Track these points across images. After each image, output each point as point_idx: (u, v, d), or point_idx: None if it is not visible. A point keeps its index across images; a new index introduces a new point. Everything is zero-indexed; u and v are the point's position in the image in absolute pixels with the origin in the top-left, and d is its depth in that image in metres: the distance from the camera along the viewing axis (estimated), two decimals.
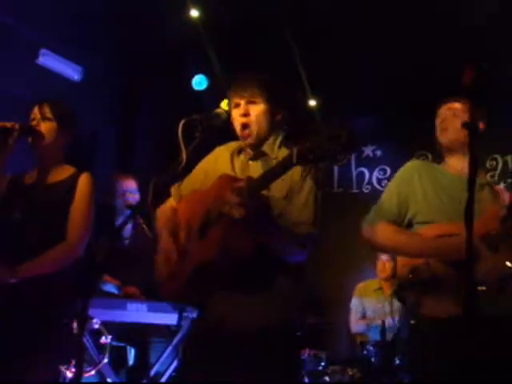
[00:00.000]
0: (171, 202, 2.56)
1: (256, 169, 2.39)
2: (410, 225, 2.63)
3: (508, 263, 2.31)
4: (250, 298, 2.23)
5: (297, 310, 2.36)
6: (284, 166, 2.08)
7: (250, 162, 2.45)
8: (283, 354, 2.23)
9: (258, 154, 2.44)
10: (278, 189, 2.30)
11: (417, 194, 2.61)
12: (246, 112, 2.40)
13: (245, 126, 2.40)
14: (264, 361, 2.18)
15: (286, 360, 2.25)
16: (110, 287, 3.84)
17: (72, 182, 2.79)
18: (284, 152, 2.39)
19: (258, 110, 2.41)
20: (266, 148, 2.45)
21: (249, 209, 2.07)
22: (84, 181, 2.79)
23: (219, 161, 2.52)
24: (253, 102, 2.41)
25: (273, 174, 2.13)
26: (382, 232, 2.56)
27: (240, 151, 2.50)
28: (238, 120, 2.42)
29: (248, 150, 2.47)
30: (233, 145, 2.55)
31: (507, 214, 2.40)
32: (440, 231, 2.47)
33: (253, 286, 2.23)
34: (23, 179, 2.89)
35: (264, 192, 2.22)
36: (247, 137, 2.41)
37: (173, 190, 2.57)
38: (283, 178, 2.21)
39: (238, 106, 2.43)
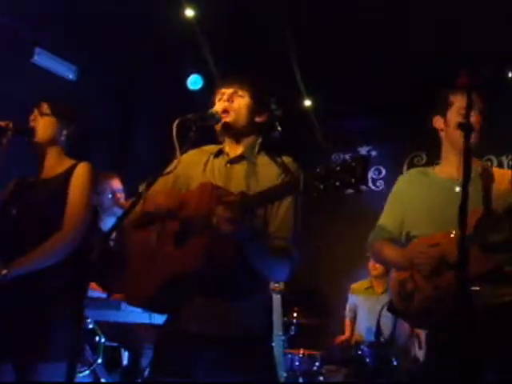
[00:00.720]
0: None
1: (238, 173, 2.34)
2: (409, 239, 2.75)
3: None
4: (225, 303, 2.20)
5: (268, 314, 2.36)
6: (287, 190, 1.98)
7: (229, 166, 2.36)
8: (261, 361, 2.21)
9: (237, 157, 2.38)
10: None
11: (407, 210, 2.79)
12: (230, 98, 2.38)
13: (225, 111, 2.36)
14: (239, 367, 2.16)
15: (263, 366, 2.22)
16: (98, 294, 3.80)
17: (68, 173, 2.74)
18: (263, 159, 2.35)
19: (241, 101, 2.39)
20: (245, 151, 2.38)
21: (239, 225, 1.99)
22: (81, 170, 2.73)
23: (193, 168, 2.42)
24: (238, 95, 2.40)
25: (273, 194, 2.02)
26: (375, 250, 2.88)
27: (218, 154, 2.43)
28: (219, 106, 2.37)
29: (227, 151, 2.40)
30: (208, 149, 2.49)
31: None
32: (425, 245, 2.61)
33: (233, 294, 2.20)
34: (27, 179, 2.87)
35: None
36: (224, 118, 2.36)
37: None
38: (262, 185, 2.17)
39: (223, 94, 2.41)
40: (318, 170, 1.80)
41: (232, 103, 2.38)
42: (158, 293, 2.21)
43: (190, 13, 5.32)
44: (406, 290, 2.57)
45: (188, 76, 6.10)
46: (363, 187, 1.75)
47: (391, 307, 2.73)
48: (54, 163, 2.81)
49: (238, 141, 2.41)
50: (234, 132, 2.40)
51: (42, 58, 5.44)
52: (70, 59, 5.66)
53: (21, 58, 5.27)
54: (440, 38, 5.15)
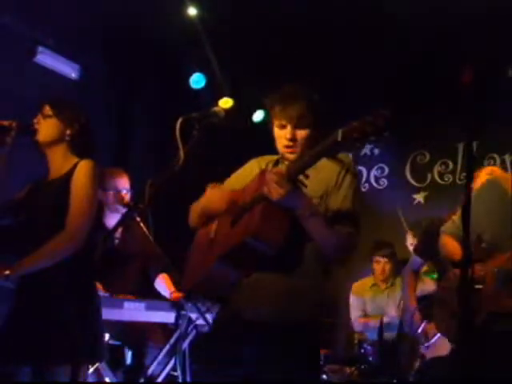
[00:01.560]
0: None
1: None
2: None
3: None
4: (271, 289, 2.21)
5: (322, 305, 2.32)
6: (328, 145, 2.05)
7: None
8: (305, 349, 2.22)
9: None
10: (313, 189, 2.25)
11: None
12: (293, 137, 2.32)
13: (287, 147, 2.34)
14: (285, 354, 2.17)
15: (307, 355, 2.23)
16: (101, 294, 3.81)
17: (70, 172, 2.72)
18: (322, 162, 2.32)
19: (304, 135, 2.33)
20: None
21: (288, 189, 2.06)
22: (82, 168, 2.70)
23: (252, 172, 2.44)
24: (300, 129, 2.33)
25: (315, 153, 2.09)
26: (441, 242, 3.05)
27: (276, 163, 2.44)
28: (282, 141, 2.34)
29: (286, 162, 2.40)
30: (266, 158, 2.50)
31: None
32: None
33: (277, 276, 2.21)
34: (39, 182, 2.86)
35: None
36: (290, 155, 2.35)
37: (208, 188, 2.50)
38: (319, 178, 2.22)
39: (283, 127, 2.34)
40: (352, 124, 1.96)
41: (296, 142, 2.33)
42: (211, 272, 2.25)
43: (192, 11, 5.32)
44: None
45: (191, 75, 6.09)
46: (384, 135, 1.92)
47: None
48: (61, 163, 2.80)
49: None
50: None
51: (45, 57, 5.44)
52: (72, 58, 5.66)
53: (23, 57, 5.27)
54: (440, 37, 5.14)
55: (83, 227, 2.62)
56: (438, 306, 2.92)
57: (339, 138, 1.96)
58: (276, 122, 2.36)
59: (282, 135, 2.34)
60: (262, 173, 2.27)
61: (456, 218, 2.95)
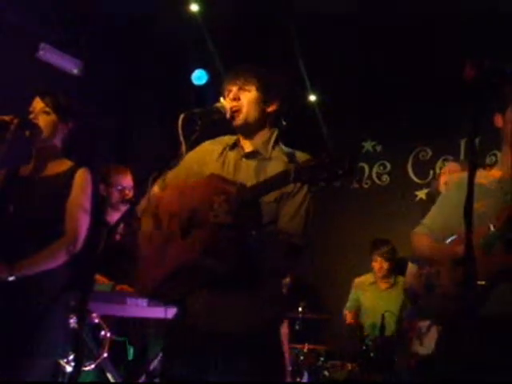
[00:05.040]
0: (155, 190, 2.47)
1: (249, 168, 2.35)
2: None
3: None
4: (229, 300, 2.21)
5: (276, 308, 2.33)
6: (280, 182, 2.04)
7: (244, 160, 2.39)
8: (264, 356, 2.21)
9: (252, 152, 2.40)
10: (265, 213, 2.22)
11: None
12: (237, 96, 2.37)
13: (234, 111, 2.36)
14: (242, 362, 2.17)
15: (266, 362, 2.22)
16: (103, 287, 3.81)
17: (69, 177, 2.75)
18: (278, 153, 2.37)
19: (248, 96, 2.38)
20: (260, 146, 2.39)
21: (237, 218, 2.04)
22: (82, 176, 2.76)
23: (208, 156, 2.45)
24: (245, 90, 2.38)
25: (267, 186, 2.09)
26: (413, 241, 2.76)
27: (233, 147, 2.44)
28: (228, 105, 2.37)
29: (242, 144, 2.42)
30: (224, 139, 2.50)
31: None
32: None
33: (234, 288, 2.20)
34: (19, 172, 2.86)
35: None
36: (235, 119, 2.37)
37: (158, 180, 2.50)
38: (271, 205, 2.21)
39: (229, 92, 2.40)
40: (308, 163, 1.92)
41: (240, 100, 2.37)
42: (164, 283, 2.23)
43: (194, 7, 5.32)
44: (432, 283, 2.55)
45: (193, 71, 6.09)
46: (354, 179, 1.85)
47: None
48: (53, 161, 2.82)
49: (252, 136, 2.42)
50: (248, 128, 2.40)
51: (47, 53, 5.43)
52: (74, 54, 5.65)
53: (26, 53, 5.27)
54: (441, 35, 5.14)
55: (82, 235, 2.71)
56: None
57: (291, 179, 1.95)
58: (226, 94, 2.41)
59: (228, 100, 2.38)
60: (211, 177, 2.25)
61: (426, 220, 2.87)
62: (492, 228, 2.31)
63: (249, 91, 2.39)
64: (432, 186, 4.81)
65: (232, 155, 2.42)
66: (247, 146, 2.42)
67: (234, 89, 2.39)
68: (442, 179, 3.93)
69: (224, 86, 2.44)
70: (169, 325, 2.55)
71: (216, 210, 2.05)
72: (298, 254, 2.27)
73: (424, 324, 4.20)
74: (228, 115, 2.36)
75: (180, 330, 2.30)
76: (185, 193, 2.30)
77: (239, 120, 2.36)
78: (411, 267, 3.92)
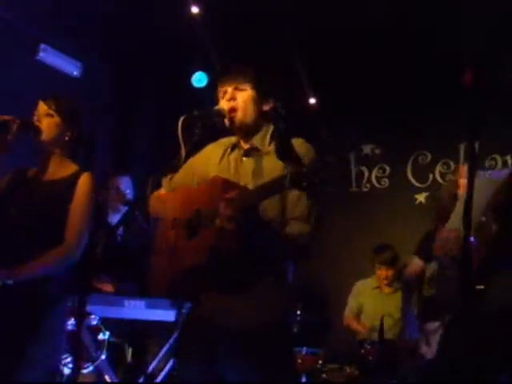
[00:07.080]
0: (161, 191, 2.53)
1: (248, 166, 2.36)
2: None
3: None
4: (237, 299, 2.22)
5: (284, 309, 2.33)
6: (276, 187, 2.06)
7: (244, 159, 2.40)
8: (274, 353, 2.21)
9: (250, 149, 2.40)
10: (270, 208, 2.26)
11: None
12: (233, 96, 2.37)
13: (231, 111, 2.36)
14: (254, 360, 2.17)
15: (277, 359, 2.22)
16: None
17: (73, 181, 2.74)
18: (274, 148, 2.35)
19: (244, 96, 2.38)
20: (257, 142, 2.40)
21: (240, 222, 2.07)
22: (85, 181, 2.74)
23: (211, 159, 2.47)
24: (240, 89, 2.39)
25: (266, 190, 2.11)
26: None
27: (233, 147, 2.45)
28: (224, 106, 2.38)
29: (241, 144, 2.43)
30: (225, 141, 2.51)
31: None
32: None
33: (239, 288, 2.22)
34: (26, 175, 2.86)
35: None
36: (233, 120, 2.37)
37: (164, 181, 2.54)
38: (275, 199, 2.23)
39: (225, 93, 2.40)
40: (304, 168, 1.94)
41: (236, 100, 2.38)
42: (177, 282, 2.27)
43: (195, 10, 5.32)
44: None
45: (193, 73, 6.09)
46: (352, 185, 1.94)
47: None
48: (58, 165, 2.81)
49: (250, 135, 2.42)
50: (246, 128, 2.40)
51: (47, 55, 5.44)
52: (74, 56, 5.66)
53: (26, 55, 5.27)
54: (442, 36, 5.14)
55: (83, 241, 2.69)
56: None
57: (286, 184, 1.97)
58: (221, 95, 2.42)
59: (224, 101, 2.39)
60: (215, 180, 2.28)
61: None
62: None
63: (244, 90, 2.39)
64: (441, 190, 4.80)
65: (233, 156, 2.43)
66: (246, 144, 2.43)
67: (230, 89, 2.40)
68: (462, 182, 3.93)
69: (219, 87, 2.45)
70: (184, 320, 2.58)
71: (220, 215, 2.08)
72: (303, 243, 2.28)
73: (431, 326, 4.18)
74: (226, 118, 2.37)
75: (196, 323, 2.32)
76: (190, 195, 2.34)
77: (237, 120, 2.37)
78: (417, 261, 4.10)
